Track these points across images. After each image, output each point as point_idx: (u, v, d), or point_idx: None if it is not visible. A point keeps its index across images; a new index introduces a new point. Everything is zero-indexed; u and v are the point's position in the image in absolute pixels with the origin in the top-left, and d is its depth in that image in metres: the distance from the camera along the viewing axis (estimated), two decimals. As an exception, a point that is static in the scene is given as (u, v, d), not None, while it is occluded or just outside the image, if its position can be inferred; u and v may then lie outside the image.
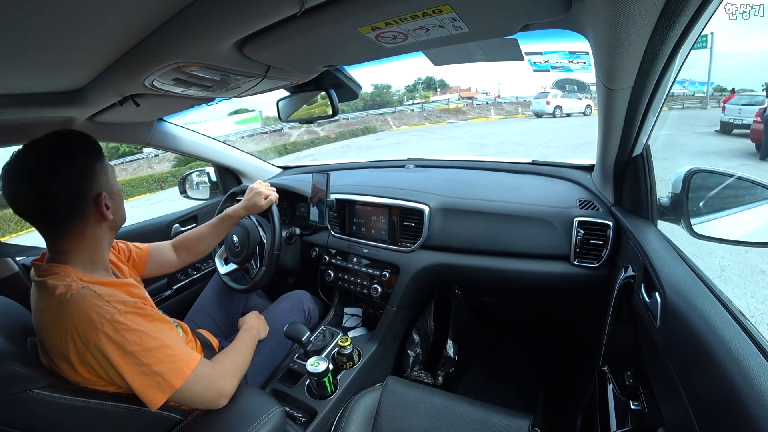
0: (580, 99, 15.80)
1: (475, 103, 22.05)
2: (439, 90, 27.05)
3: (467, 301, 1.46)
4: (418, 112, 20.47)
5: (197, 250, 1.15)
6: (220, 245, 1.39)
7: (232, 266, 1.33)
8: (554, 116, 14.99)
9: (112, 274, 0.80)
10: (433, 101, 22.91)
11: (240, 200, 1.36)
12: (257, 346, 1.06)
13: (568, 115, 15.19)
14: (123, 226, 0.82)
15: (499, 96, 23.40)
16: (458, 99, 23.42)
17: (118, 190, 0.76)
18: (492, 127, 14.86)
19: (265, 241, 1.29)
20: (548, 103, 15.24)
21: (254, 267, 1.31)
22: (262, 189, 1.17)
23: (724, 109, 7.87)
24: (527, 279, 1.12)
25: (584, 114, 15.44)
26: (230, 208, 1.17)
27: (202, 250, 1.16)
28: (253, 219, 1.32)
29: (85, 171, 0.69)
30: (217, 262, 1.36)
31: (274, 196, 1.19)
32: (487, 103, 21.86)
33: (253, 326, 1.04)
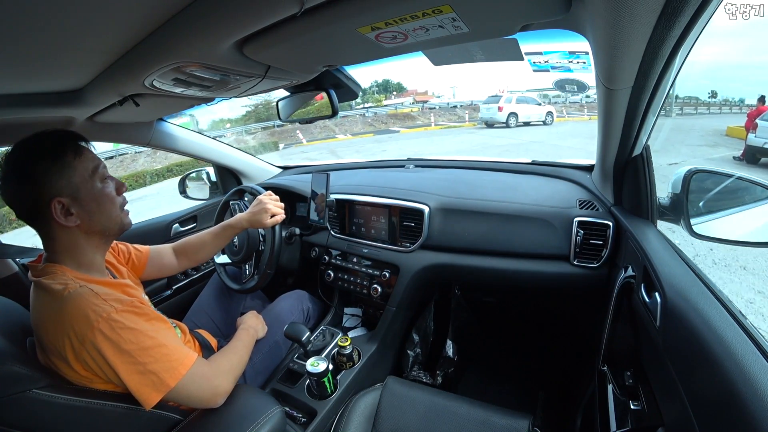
0: (540, 105, 13.39)
1: (428, 107, 19.99)
2: (395, 93, 24.72)
3: (467, 302, 1.46)
4: (364, 118, 17.66)
5: (198, 257, 1.14)
6: None
7: (227, 259, 1.33)
8: (508, 126, 12.26)
9: (108, 275, 0.80)
10: (386, 105, 20.73)
11: (247, 200, 1.37)
12: (256, 346, 1.06)
13: (526, 123, 12.65)
14: None
15: (454, 100, 21.27)
16: (412, 103, 21.15)
17: (96, 192, 0.71)
18: (422, 143, 11.56)
19: (263, 249, 1.29)
20: (500, 109, 12.33)
21: (247, 272, 1.30)
22: (270, 206, 1.10)
23: (752, 127, 5.46)
24: (527, 279, 1.12)
25: (544, 123, 12.94)
26: (233, 218, 1.13)
27: (203, 257, 1.15)
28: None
29: (37, 175, 0.65)
30: None
31: (279, 216, 1.13)
32: (440, 107, 20.13)
33: (251, 325, 1.04)
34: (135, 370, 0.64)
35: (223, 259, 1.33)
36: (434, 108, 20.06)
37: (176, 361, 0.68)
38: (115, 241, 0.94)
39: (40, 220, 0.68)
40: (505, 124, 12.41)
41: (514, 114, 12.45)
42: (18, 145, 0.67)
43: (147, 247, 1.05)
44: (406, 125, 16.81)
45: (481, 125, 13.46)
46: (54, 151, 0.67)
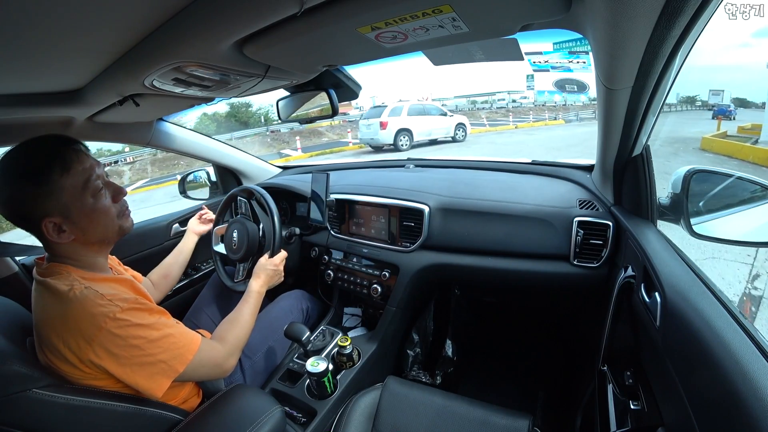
0: (446, 115, 10.00)
1: (348, 119, 17.72)
2: (318, 106, 22.53)
3: (467, 302, 1.46)
4: (263, 137, 15.70)
5: (169, 282, 1.22)
6: (222, 217, 1.40)
7: (222, 246, 1.34)
8: (398, 148, 8.78)
9: (112, 273, 0.81)
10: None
11: (253, 203, 1.37)
12: (256, 345, 1.08)
13: (433, 142, 9.64)
14: None
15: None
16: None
17: (87, 209, 0.69)
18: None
19: (263, 245, 1.29)
20: (383, 125, 8.64)
21: (241, 274, 1.30)
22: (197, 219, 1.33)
23: None
24: (527, 279, 1.11)
25: (454, 139, 9.90)
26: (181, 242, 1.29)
27: (174, 278, 1.23)
28: (262, 226, 1.30)
29: (25, 199, 0.64)
30: (213, 237, 1.37)
31: (204, 228, 1.33)
32: (361, 118, 17.93)
33: (261, 284, 1.04)
34: (145, 362, 0.66)
35: (220, 247, 1.34)
36: (354, 120, 17.63)
37: (183, 347, 0.71)
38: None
39: (33, 233, 0.68)
40: (393, 146, 8.83)
41: (405, 131, 8.84)
42: (2, 164, 0.64)
43: (141, 277, 1.11)
44: (310, 144, 14.56)
45: (369, 148, 9.86)
46: (40, 173, 0.64)
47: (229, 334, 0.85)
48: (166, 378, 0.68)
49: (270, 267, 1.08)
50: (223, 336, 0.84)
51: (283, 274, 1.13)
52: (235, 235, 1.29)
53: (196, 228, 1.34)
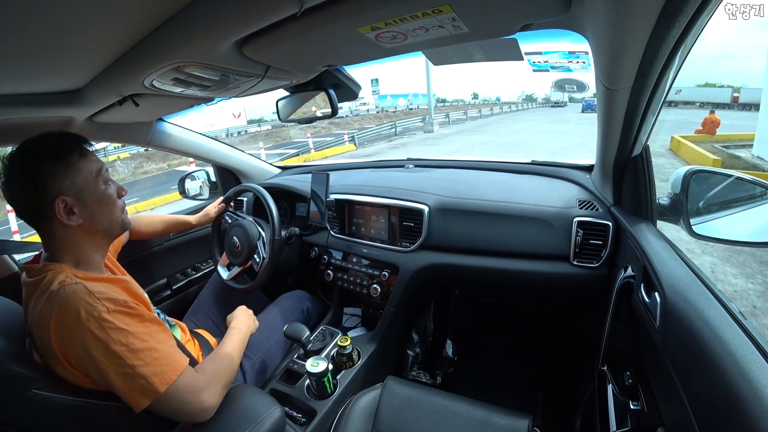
0: None
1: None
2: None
3: (467, 301, 1.46)
4: None
5: (143, 234, 1.24)
6: (220, 253, 1.40)
7: (235, 270, 1.34)
8: None
9: (107, 273, 0.80)
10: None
11: (240, 200, 1.38)
12: (256, 345, 1.07)
13: None
14: None
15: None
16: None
17: (99, 194, 0.72)
18: None
19: (264, 234, 1.31)
20: None
21: (257, 262, 1.31)
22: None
23: None
24: (527, 279, 1.12)
25: None
26: (187, 216, 1.35)
27: (147, 235, 1.27)
28: (251, 218, 1.32)
29: (42, 174, 0.66)
30: (220, 269, 1.37)
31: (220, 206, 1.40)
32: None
33: (243, 322, 0.98)
34: (123, 373, 0.61)
35: (230, 273, 1.35)
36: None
37: (166, 366, 0.65)
38: None
39: (42, 218, 0.68)
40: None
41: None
42: (23, 144, 0.68)
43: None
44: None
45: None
46: (59, 151, 0.69)
47: (208, 366, 0.77)
48: (144, 397, 0.62)
49: (243, 314, 1.02)
50: (205, 368, 0.76)
51: (257, 323, 1.06)
52: (235, 239, 1.30)
53: (212, 212, 1.40)
